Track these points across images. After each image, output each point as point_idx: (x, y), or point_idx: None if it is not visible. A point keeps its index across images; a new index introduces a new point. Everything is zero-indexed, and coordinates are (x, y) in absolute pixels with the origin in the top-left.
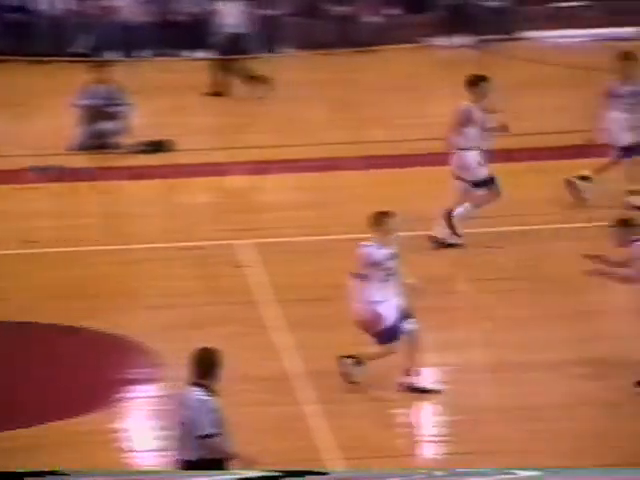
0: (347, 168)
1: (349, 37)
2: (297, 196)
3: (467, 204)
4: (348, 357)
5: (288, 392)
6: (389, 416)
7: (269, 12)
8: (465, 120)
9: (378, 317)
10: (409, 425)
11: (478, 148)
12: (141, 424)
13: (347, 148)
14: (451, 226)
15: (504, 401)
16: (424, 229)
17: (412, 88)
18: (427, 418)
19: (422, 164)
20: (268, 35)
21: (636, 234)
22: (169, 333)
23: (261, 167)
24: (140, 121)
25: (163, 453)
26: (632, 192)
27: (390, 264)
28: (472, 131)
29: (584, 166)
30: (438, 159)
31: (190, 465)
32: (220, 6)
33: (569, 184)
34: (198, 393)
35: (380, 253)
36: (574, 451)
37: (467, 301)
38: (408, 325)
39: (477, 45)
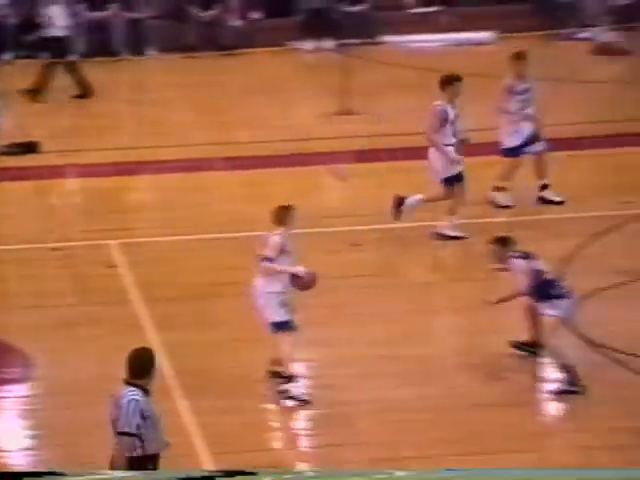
0: (213, 169)
1: (215, 40)
2: (165, 196)
3: (420, 196)
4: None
5: (160, 390)
6: (259, 411)
7: (135, 15)
8: (442, 119)
9: (273, 308)
10: (279, 420)
11: (454, 145)
12: (10, 424)
13: (213, 149)
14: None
15: (371, 394)
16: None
17: (276, 90)
18: (296, 412)
19: (286, 165)
20: (134, 38)
21: (513, 251)
22: (40, 333)
23: (129, 168)
24: (6, 123)
25: (31, 453)
26: (498, 189)
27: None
28: (448, 129)
29: None
30: (301, 160)
31: (129, 462)
32: (49, 9)
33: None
34: (131, 392)
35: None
36: (437, 441)
37: (334, 298)
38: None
39: (339, 49)
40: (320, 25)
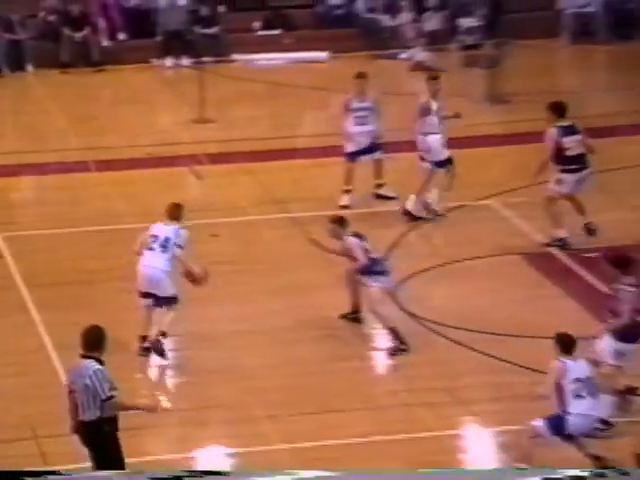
0: (87, 170)
1: (87, 58)
2: (45, 195)
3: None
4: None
5: (42, 363)
6: (132, 380)
7: (15, 36)
8: (426, 111)
9: (167, 283)
10: (147, 386)
11: (439, 133)
12: None
13: (87, 153)
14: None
15: (225, 363)
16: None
17: (142, 101)
18: (162, 379)
19: (151, 166)
20: (15, 56)
21: (347, 230)
22: None
23: (12, 170)
24: None
25: None
26: (379, 185)
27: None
28: (433, 119)
29: (288, 167)
30: (165, 162)
31: (90, 425)
32: None
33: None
34: (92, 364)
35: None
36: (280, 403)
37: None
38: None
39: (195, 65)
40: (178, 45)
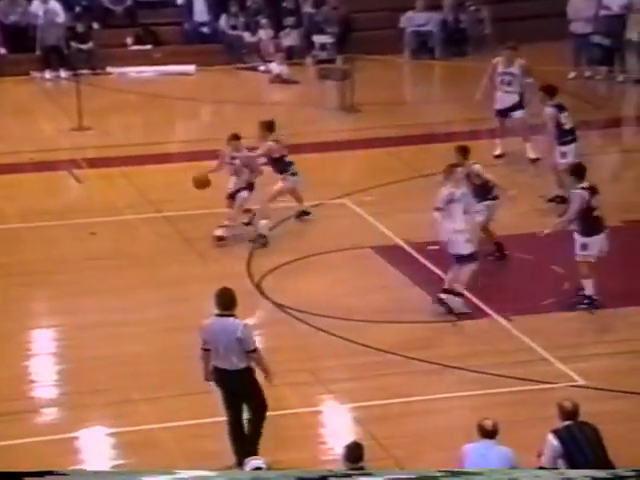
0: None
1: None
2: None
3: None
4: None
5: None
6: (19, 367)
7: None
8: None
9: None
10: (36, 372)
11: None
12: None
13: None
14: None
15: (108, 351)
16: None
17: (24, 111)
18: (50, 367)
19: (35, 170)
20: None
21: None
22: None
23: None
24: None
25: None
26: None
27: None
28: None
29: (161, 171)
30: (47, 166)
31: None
32: None
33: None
34: (237, 320)
35: None
36: (158, 386)
37: (78, 276)
38: None
39: (73, 78)
40: (56, 59)
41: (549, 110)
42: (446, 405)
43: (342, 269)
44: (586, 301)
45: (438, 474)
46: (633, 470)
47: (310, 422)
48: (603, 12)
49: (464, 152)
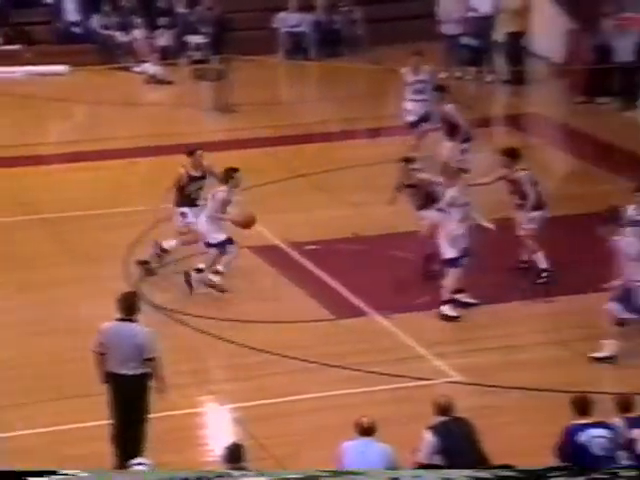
0: None
1: None
2: None
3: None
4: None
5: None
6: None
7: None
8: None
9: None
10: None
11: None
12: None
13: None
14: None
15: None
16: None
17: None
18: None
19: None
20: None
21: None
22: None
23: None
24: None
25: None
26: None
27: None
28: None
29: (34, 172)
30: None
31: None
32: None
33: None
34: (138, 326)
35: None
36: (28, 390)
37: None
38: None
39: None
40: None
41: (446, 107)
42: (326, 404)
43: None
44: (544, 274)
45: (320, 474)
46: (514, 471)
47: (191, 423)
48: (471, 14)
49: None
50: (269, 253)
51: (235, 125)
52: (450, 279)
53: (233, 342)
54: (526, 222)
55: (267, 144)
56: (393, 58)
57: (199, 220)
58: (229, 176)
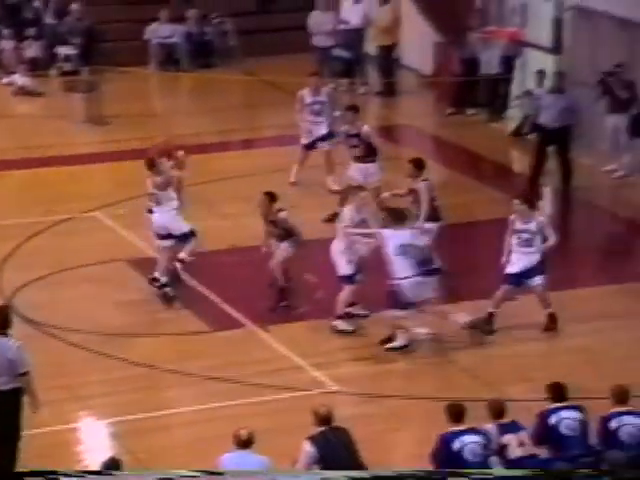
0: None
1: None
2: None
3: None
4: None
5: None
6: None
7: None
8: None
9: None
10: None
11: None
12: None
13: None
14: None
15: None
16: None
17: None
18: None
19: None
20: None
21: None
22: None
23: None
24: None
25: None
26: None
27: None
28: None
29: None
30: None
31: None
32: None
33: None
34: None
35: None
36: None
37: None
38: None
39: None
40: None
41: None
42: (205, 416)
43: (97, 283)
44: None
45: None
46: (393, 471)
47: (66, 439)
48: (343, 26)
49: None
50: (145, 265)
51: (108, 137)
52: (345, 295)
53: (109, 355)
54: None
55: (141, 156)
56: (266, 69)
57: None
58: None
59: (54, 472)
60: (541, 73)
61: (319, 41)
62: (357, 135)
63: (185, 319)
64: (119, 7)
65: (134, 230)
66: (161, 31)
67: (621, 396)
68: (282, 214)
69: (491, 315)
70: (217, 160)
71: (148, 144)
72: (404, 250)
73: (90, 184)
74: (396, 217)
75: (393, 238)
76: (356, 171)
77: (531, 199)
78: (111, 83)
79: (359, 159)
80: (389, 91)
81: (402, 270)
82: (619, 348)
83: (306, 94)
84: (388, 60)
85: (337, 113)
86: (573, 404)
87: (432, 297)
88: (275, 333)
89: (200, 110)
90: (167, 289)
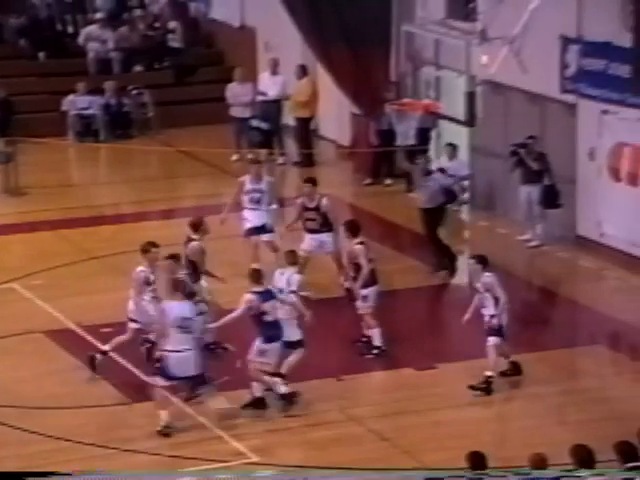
0: None
1: None
2: None
3: None
4: None
5: None
6: None
7: None
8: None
9: None
10: None
11: None
12: None
13: None
14: None
15: None
16: None
17: None
18: None
19: None
20: None
21: None
22: None
23: None
24: None
25: None
26: None
27: None
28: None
29: None
30: None
31: None
32: None
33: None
34: None
35: None
36: None
37: None
38: None
39: None
40: None
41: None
42: None
43: (14, 354)
44: (375, 351)
45: None
46: None
47: None
48: (260, 97)
49: None
50: (63, 336)
51: (25, 208)
52: (294, 359)
53: (25, 429)
54: (361, 299)
55: (58, 226)
56: (183, 140)
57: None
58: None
59: (54, 473)
60: (451, 146)
61: (237, 112)
62: (315, 208)
63: (104, 390)
64: (36, 79)
65: (51, 301)
66: (79, 102)
67: (540, 464)
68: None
69: None
70: (135, 230)
71: (64, 215)
72: (181, 323)
73: (7, 255)
74: (175, 287)
75: (172, 310)
76: (310, 241)
77: (485, 259)
78: (28, 154)
79: (313, 231)
80: (307, 161)
81: (173, 343)
82: (537, 416)
83: (247, 180)
84: (306, 131)
85: (274, 206)
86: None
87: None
88: (195, 403)
89: (118, 180)
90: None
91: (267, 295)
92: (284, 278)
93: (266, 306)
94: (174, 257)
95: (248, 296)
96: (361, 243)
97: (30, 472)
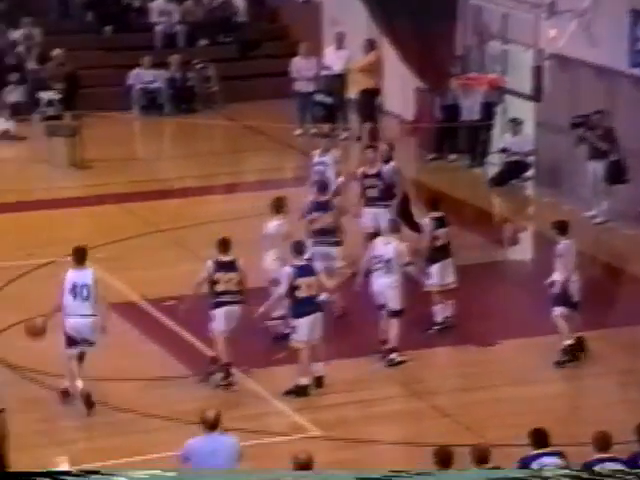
0: None
1: None
2: None
3: None
4: None
5: None
6: None
7: None
8: None
9: None
10: None
11: None
12: None
13: None
14: None
15: None
16: None
17: None
18: None
19: None
20: None
21: None
22: None
23: None
24: None
25: None
26: None
27: None
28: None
29: None
30: None
31: None
32: None
33: None
34: None
35: None
36: None
37: None
38: None
39: None
40: None
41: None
42: None
43: None
44: (436, 327)
45: None
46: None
47: None
48: (324, 72)
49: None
50: (127, 310)
51: (90, 181)
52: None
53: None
54: (425, 277)
55: (123, 200)
56: (247, 115)
57: None
58: None
59: (56, 472)
60: (515, 121)
61: (301, 87)
62: (376, 175)
63: (167, 363)
64: (101, 53)
65: (116, 274)
66: (144, 76)
67: (603, 442)
68: None
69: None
70: (199, 204)
71: (130, 188)
72: (74, 289)
73: (72, 228)
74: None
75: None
76: (368, 216)
77: (562, 225)
78: (93, 128)
79: (373, 200)
80: (373, 136)
81: (70, 308)
82: (599, 394)
83: (315, 154)
84: (369, 105)
85: (340, 179)
86: (555, 450)
87: None
88: (257, 377)
89: (182, 155)
90: None
91: (303, 270)
92: (390, 248)
93: (300, 281)
94: None
95: (287, 269)
96: (435, 219)
97: (39, 472)
